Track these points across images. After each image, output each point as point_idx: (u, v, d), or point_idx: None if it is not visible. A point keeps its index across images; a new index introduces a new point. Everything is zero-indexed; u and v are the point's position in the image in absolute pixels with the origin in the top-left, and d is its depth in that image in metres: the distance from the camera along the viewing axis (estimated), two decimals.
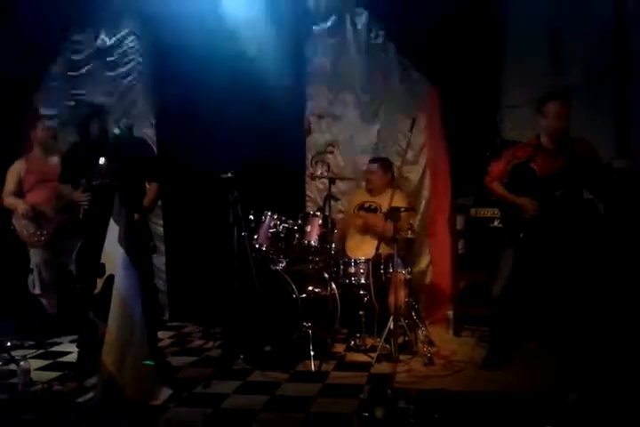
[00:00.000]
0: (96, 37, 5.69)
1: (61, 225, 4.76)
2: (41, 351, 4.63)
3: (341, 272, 4.65)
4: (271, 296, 4.35)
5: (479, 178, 4.28)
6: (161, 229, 5.64)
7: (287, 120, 5.45)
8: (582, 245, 3.97)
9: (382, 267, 4.61)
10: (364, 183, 5.15)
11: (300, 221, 4.67)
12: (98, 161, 3.76)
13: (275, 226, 4.63)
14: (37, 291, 4.86)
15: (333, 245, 4.66)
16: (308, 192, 5.54)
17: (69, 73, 5.73)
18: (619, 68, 4.78)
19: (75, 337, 4.72)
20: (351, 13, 5.36)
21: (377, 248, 4.37)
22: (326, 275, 4.63)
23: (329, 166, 5.02)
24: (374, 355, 4.25)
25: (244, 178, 4.38)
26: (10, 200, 4.83)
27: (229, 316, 4.47)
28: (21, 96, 5.60)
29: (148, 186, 4.17)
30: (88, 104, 4.47)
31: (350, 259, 4.69)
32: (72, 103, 5.46)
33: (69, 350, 4.61)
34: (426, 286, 5.28)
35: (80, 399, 3.56)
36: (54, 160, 4.74)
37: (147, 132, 5.57)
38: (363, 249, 4.77)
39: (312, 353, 4.14)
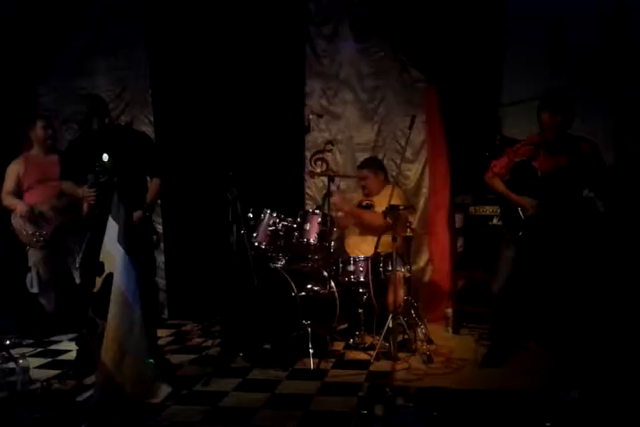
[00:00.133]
0: (97, 35, 5.66)
1: (61, 225, 4.74)
2: (40, 350, 4.63)
3: (340, 270, 4.64)
4: (270, 294, 4.35)
5: (478, 176, 4.28)
6: (160, 227, 5.63)
7: (286, 118, 5.46)
8: (581, 244, 3.97)
9: (381, 265, 4.60)
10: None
11: (299, 219, 4.66)
12: (99, 156, 3.68)
13: (274, 224, 4.63)
14: (35, 290, 4.85)
15: (332, 244, 4.67)
16: (307, 190, 5.55)
17: (69, 70, 5.71)
18: (618, 67, 4.78)
19: (74, 335, 4.70)
20: (350, 12, 5.36)
21: (376, 246, 4.37)
22: (325, 273, 4.63)
23: (328, 164, 5.02)
24: (373, 353, 4.25)
25: (243, 176, 4.38)
26: (9, 200, 4.80)
27: (229, 314, 4.47)
28: (21, 94, 5.58)
29: (149, 181, 4.14)
30: (88, 97, 4.38)
31: (349, 257, 4.68)
32: (73, 100, 5.45)
33: (68, 348, 4.60)
34: (425, 284, 5.28)
35: (79, 397, 3.55)
36: (53, 159, 4.67)
37: (145, 129, 5.55)
38: (362, 247, 4.77)
39: (311, 351, 4.15)
